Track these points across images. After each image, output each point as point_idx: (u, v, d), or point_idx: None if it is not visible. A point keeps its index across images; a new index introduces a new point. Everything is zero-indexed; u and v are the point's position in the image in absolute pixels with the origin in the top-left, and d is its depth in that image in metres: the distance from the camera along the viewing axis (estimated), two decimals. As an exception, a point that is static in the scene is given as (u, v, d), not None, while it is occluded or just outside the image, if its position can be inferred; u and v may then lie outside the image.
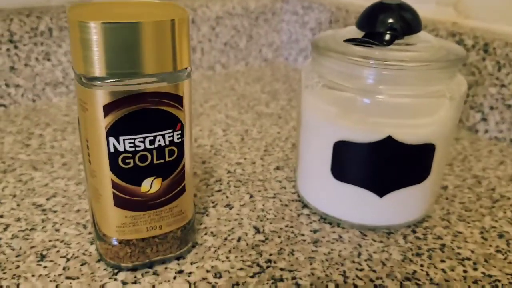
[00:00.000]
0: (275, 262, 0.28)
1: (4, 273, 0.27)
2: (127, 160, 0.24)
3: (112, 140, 0.23)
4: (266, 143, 0.44)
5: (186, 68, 0.24)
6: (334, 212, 0.32)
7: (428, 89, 0.29)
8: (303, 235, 0.31)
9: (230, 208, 0.34)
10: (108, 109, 0.23)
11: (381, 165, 0.29)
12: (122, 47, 0.22)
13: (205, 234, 0.31)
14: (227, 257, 0.29)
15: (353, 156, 0.29)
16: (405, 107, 0.29)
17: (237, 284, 0.26)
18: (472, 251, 0.30)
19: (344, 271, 0.28)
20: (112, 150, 0.24)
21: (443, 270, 0.28)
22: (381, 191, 0.30)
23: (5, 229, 0.30)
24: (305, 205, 0.34)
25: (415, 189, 0.30)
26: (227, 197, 0.35)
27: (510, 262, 0.29)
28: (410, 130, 0.28)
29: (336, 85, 0.29)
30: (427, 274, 0.28)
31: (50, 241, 0.29)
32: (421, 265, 0.28)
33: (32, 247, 0.29)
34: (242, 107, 0.52)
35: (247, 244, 0.30)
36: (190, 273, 0.27)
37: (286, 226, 0.32)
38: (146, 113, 0.23)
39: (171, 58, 0.23)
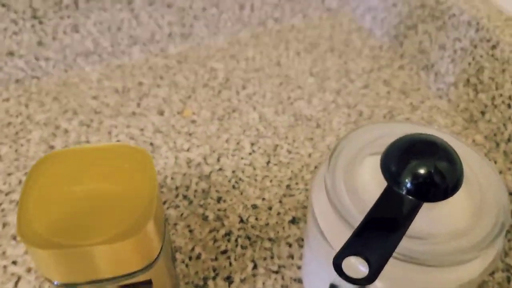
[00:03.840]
0: None
1: None
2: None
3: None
4: (292, 173, 0.41)
5: (158, 254, 0.22)
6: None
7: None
8: None
9: (230, 283, 0.33)
10: (72, 295, 0.22)
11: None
12: (78, 266, 0.20)
13: (196, 320, 0.32)
14: None
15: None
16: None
17: None
18: None
19: None
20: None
21: None
22: (375, 332, 0.28)
23: (15, 284, 0.33)
24: (305, 292, 0.33)
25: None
26: (230, 264, 0.35)
27: None
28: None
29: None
30: None
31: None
32: None
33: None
34: (281, 102, 0.47)
35: None
36: None
37: (278, 321, 0.32)
38: (114, 295, 0.22)
39: (138, 263, 0.21)
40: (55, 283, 0.21)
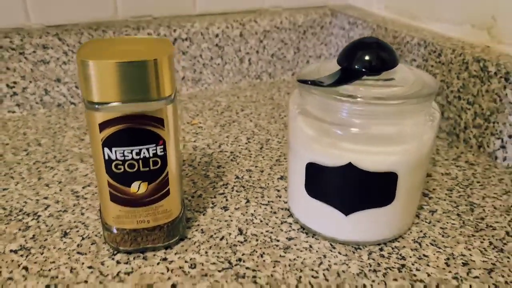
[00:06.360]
0: (243, 262, 0.33)
1: (35, 243, 0.34)
2: (118, 166, 0.30)
3: (106, 150, 0.30)
4: (281, 153, 0.48)
5: (169, 96, 0.30)
6: (310, 224, 0.36)
7: (396, 122, 0.31)
8: (278, 241, 0.35)
9: (225, 210, 0.39)
10: (102, 126, 0.29)
11: (344, 187, 0.32)
12: (114, 80, 0.28)
13: (196, 230, 0.36)
14: (206, 252, 0.34)
15: (321, 177, 0.33)
16: (372, 138, 0.31)
17: (206, 275, 0.32)
18: (429, 275, 0.32)
19: (300, 277, 0.32)
20: (106, 158, 0.30)
21: (391, 288, 0.31)
22: (346, 210, 0.33)
23: (45, 209, 0.39)
24: (291, 215, 0.38)
25: (379, 211, 0.33)
26: (226, 200, 0.40)
27: (461, 290, 0.31)
28: (371, 159, 0.31)
29: (315, 116, 0.33)
30: (374, 289, 0.31)
31: (74, 221, 0.37)
32: (373, 281, 0.31)
33: (60, 225, 0.37)
34: (273, 117, 0.57)
35: (227, 243, 0.35)
36: (171, 261, 0.33)
37: (267, 231, 0.36)
38: (133, 130, 0.29)
39: (154, 88, 0.29)
40: (96, 106, 0.28)
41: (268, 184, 0.43)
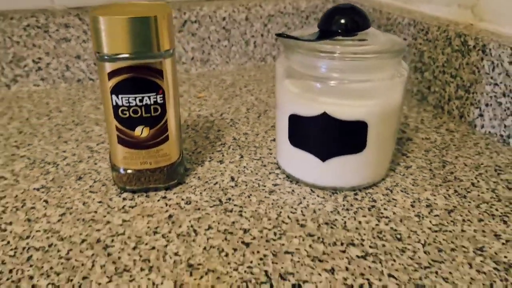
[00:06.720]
0: (232, 200, 0.38)
1: (54, 183, 0.40)
2: (124, 112, 0.35)
3: (114, 97, 0.35)
4: (277, 121, 0.53)
5: (168, 50, 0.35)
6: (294, 172, 0.40)
7: (368, 77, 0.35)
8: (264, 186, 0.40)
9: (221, 163, 0.44)
10: (111, 75, 0.34)
11: (320, 135, 0.37)
12: (121, 34, 0.33)
13: (193, 177, 0.41)
14: (200, 193, 0.39)
15: (301, 126, 0.37)
16: (347, 90, 0.36)
17: (198, 209, 0.37)
18: (394, 213, 0.36)
19: (280, 212, 0.36)
20: (114, 104, 0.35)
21: (359, 222, 0.35)
22: (323, 156, 0.38)
23: (63, 159, 0.44)
24: (278, 167, 0.43)
25: (353, 158, 0.37)
26: (223, 155, 0.45)
27: (421, 224, 0.35)
28: (344, 109, 0.36)
29: (298, 73, 0.37)
30: (345, 222, 0.35)
31: (88, 169, 0.42)
32: (344, 216, 0.36)
33: (75, 172, 0.42)
34: (273, 92, 0.61)
35: (219, 187, 0.40)
36: (170, 199, 0.38)
37: (256, 179, 0.41)
38: (136, 80, 0.34)
39: (155, 42, 0.34)
40: (105, 57, 0.33)
41: (262, 144, 0.47)
